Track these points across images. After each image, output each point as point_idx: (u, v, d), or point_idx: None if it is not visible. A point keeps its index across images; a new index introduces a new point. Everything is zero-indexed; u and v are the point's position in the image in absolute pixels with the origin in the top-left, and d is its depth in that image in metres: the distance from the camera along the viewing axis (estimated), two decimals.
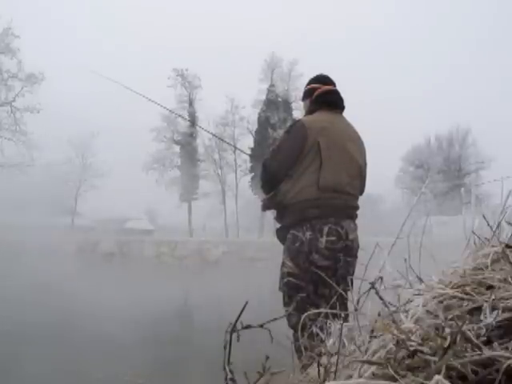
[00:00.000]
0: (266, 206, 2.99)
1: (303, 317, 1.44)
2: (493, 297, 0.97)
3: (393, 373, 0.84)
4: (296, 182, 2.75)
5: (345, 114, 3.05)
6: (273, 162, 2.87)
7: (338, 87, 3.08)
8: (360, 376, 0.90)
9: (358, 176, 2.91)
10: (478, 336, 0.87)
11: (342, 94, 3.04)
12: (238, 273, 22.79)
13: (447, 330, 0.86)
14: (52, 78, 39.28)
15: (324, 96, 2.99)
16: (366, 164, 3.01)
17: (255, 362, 1.09)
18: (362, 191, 2.98)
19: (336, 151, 2.78)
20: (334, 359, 1.04)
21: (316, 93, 3.01)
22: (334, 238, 2.68)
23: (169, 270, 25.52)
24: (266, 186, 2.96)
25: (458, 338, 0.82)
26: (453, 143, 46.80)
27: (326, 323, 1.34)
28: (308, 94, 3.09)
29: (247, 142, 43.85)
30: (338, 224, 2.71)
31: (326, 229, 2.68)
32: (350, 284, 1.63)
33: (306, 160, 2.74)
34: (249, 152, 40.44)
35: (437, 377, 0.76)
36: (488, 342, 0.86)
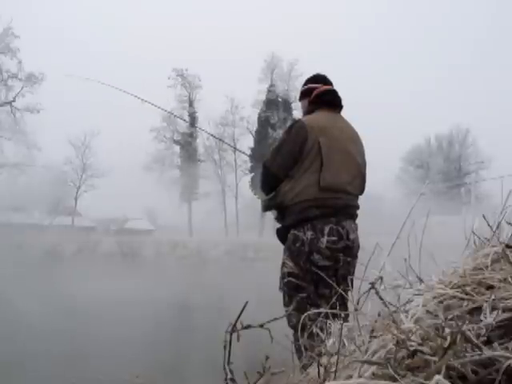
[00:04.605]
0: (266, 207, 2.98)
1: (303, 317, 1.44)
2: (493, 297, 0.97)
3: (393, 373, 0.84)
4: (297, 182, 2.75)
5: (346, 113, 3.05)
6: (273, 162, 2.86)
7: (339, 87, 3.08)
8: (360, 376, 0.90)
9: (359, 175, 2.90)
10: (478, 336, 0.87)
11: (341, 94, 3.04)
12: (237, 273, 22.79)
13: (447, 330, 0.86)
14: (52, 78, 39.31)
15: (323, 96, 2.98)
16: (365, 163, 3.00)
17: (255, 362, 1.09)
18: (362, 190, 2.98)
19: (336, 151, 2.77)
20: (334, 359, 1.04)
21: (315, 92, 3.00)
22: (335, 238, 2.67)
23: (169, 269, 25.51)
24: (266, 187, 2.95)
25: (458, 338, 0.82)
26: (453, 143, 46.81)
27: (326, 323, 1.34)
28: (306, 93, 3.08)
29: (247, 142, 43.90)
30: (339, 224, 2.70)
31: (327, 229, 2.67)
32: (350, 284, 1.63)
33: (306, 160, 2.74)
34: (249, 152, 40.50)
35: (437, 377, 0.76)
36: (488, 342, 0.86)
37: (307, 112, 3.02)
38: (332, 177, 2.73)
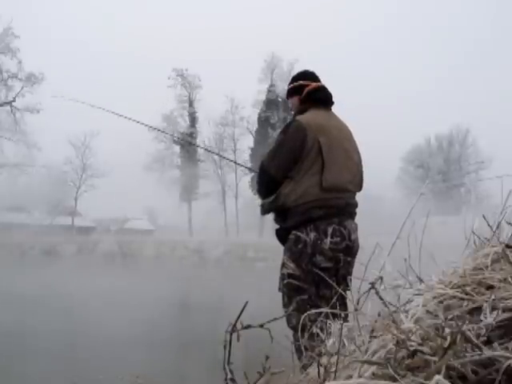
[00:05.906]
0: (266, 210, 2.89)
1: (303, 317, 1.44)
2: (493, 297, 0.97)
3: (393, 373, 0.84)
4: (298, 183, 2.69)
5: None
6: (271, 162, 2.79)
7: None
8: (360, 376, 0.90)
9: (358, 173, 2.88)
10: (478, 336, 0.87)
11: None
12: (238, 273, 22.78)
13: (447, 330, 0.86)
14: (52, 78, 39.31)
15: (316, 93, 2.90)
16: (361, 160, 2.97)
17: (255, 362, 1.09)
18: (361, 188, 2.95)
19: (336, 150, 2.73)
20: (334, 359, 1.04)
21: (306, 90, 2.91)
22: (338, 239, 2.64)
23: (169, 269, 25.50)
24: (262, 189, 2.89)
25: (458, 338, 0.82)
26: (453, 143, 46.78)
27: (326, 323, 1.34)
28: (296, 91, 2.97)
29: (247, 142, 43.94)
30: (341, 224, 2.67)
31: (330, 230, 2.63)
32: (349, 284, 1.63)
33: (306, 161, 2.69)
34: (248, 153, 40.56)
35: (437, 377, 0.76)
36: (488, 342, 0.86)
37: (299, 111, 2.92)
38: (333, 177, 2.69)
